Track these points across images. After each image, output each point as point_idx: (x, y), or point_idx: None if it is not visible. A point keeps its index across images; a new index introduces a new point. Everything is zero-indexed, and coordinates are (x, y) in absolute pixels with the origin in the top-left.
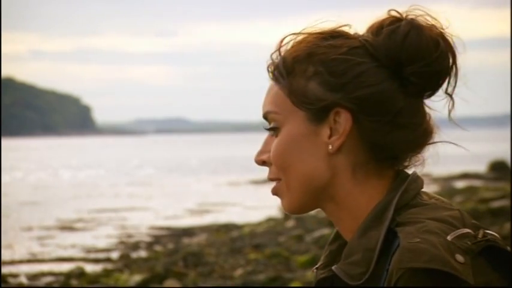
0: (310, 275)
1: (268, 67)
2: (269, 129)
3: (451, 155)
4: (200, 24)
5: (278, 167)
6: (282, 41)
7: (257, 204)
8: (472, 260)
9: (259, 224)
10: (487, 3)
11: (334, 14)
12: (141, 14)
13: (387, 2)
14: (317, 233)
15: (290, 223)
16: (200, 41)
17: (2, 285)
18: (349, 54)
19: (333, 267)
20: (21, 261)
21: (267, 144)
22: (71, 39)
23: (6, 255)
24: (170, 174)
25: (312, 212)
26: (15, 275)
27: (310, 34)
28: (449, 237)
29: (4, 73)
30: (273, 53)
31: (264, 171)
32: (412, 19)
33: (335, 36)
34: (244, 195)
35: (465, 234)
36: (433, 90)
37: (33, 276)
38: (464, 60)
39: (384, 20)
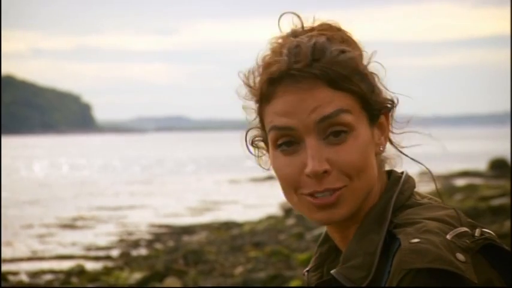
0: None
1: (303, 71)
2: (335, 133)
3: (451, 153)
4: (201, 22)
5: (355, 171)
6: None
7: (257, 202)
8: (471, 259)
9: (259, 222)
10: (488, 1)
11: (335, 13)
12: (142, 12)
13: (385, 2)
14: (317, 231)
15: (290, 221)
16: (201, 39)
17: (3, 283)
18: (363, 62)
19: (332, 272)
20: (21, 259)
21: (320, 151)
22: (72, 37)
23: (6, 253)
24: (170, 172)
25: None
26: (15, 273)
27: (321, 37)
28: (448, 236)
29: (4, 71)
30: (315, 57)
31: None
32: None
33: (344, 37)
34: (245, 193)
35: (463, 233)
36: None
37: (33, 274)
38: (464, 59)
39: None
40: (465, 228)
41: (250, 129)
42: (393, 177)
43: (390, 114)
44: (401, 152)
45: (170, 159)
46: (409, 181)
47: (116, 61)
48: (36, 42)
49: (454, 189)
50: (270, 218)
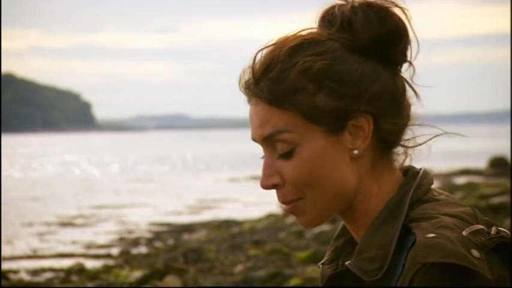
0: (310, 271)
1: (249, 89)
2: (281, 154)
3: (451, 151)
4: (201, 20)
5: (303, 185)
6: (256, 60)
7: (257, 200)
8: (486, 256)
9: (259, 220)
10: None
11: None
12: (142, 10)
13: None
14: (317, 229)
15: (290, 219)
16: (201, 37)
17: (3, 282)
18: (339, 59)
19: (346, 263)
20: (21, 257)
21: (271, 166)
22: (72, 36)
23: (6, 251)
24: (170, 170)
25: None
26: (15, 271)
27: (283, 48)
28: (464, 233)
29: (4, 69)
30: (256, 74)
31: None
32: (360, 2)
33: (308, 43)
34: (244, 191)
35: (479, 230)
36: (405, 62)
37: (33, 272)
38: (464, 57)
39: (329, 10)
40: (481, 226)
41: None
42: (411, 172)
43: (380, 110)
44: (405, 146)
45: (170, 158)
46: (427, 176)
47: (116, 59)
48: (36, 40)
49: (454, 187)
50: (269, 216)
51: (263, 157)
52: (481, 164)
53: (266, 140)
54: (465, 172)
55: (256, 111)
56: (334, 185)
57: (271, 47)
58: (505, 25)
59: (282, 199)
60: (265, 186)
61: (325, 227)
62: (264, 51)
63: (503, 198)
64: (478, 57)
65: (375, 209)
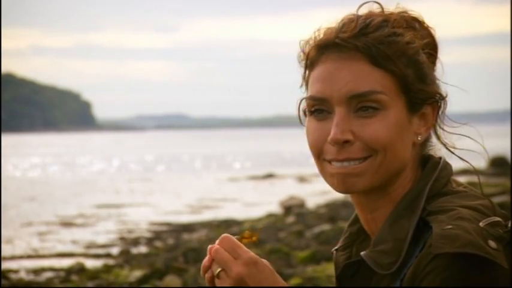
0: (310, 270)
1: (347, 42)
2: (364, 108)
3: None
4: (201, 20)
5: (380, 146)
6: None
7: (257, 200)
8: (504, 248)
9: (259, 219)
10: None
11: (335, 10)
12: (142, 10)
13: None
14: (317, 229)
15: (290, 219)
16: (201, 37)
17: (3, 281)
18: (427, 50)
19: (361, 253)
20: (21, 257)
21: (345, 123)
22: (72, 35)
23: (6, 251)
24: (170, 170)
25: (312, 208)
26: (15, 271)
27: (387, 17)
28: (481, 224)
29: (4, 69)
30: (368, 30)
31: (264, 168)
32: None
33: (407, 24)
34: (244, 191)
35: (496, 223)
36: None
37: (33, 272)
38: (464, 56)
39: (403, 14)
40: (498, 218)
41: (303, 99)
42: (431, 164)
43: (441, 109)
44: (447, 148)
45: (170, 157)
46: (446, 168)
47: (116, 59)
48: (37, 39)
49: None
50: (269, 215)
51: (319, 115)
52: (481, 163)
53: (356, 97)
54: (465, 172)
55: (350, 66)
56: (401, 157)
57: (369, 13)
58: (505, 25)
59: (349, 155)
60: (340, 140)
61: (325, 227)
62: (354, 15)
63: (503, 198)
64: (478, 57)
65: (394, 200)
